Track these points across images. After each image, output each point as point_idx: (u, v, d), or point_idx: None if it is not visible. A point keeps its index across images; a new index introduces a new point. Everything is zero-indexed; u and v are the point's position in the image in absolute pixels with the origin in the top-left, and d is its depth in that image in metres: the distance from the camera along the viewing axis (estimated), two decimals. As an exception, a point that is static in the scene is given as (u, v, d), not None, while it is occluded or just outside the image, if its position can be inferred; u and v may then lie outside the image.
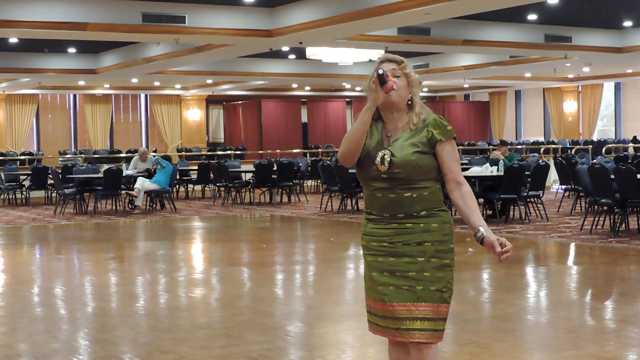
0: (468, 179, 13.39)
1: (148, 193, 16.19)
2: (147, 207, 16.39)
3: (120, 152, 27.78)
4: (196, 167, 19.72)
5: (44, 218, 15.32)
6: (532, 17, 16.94)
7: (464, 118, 33.63)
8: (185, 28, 14.82)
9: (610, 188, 10.90)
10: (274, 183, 17.33)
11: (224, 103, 33.21)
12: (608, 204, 11.03)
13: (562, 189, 16.55)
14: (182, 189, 20.41)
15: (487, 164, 13.36)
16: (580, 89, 31.12)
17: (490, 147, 25.88)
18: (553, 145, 25.09)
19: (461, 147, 27.69)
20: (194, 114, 32.22)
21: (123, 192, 16.08)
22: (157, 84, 28.03)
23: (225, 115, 33.39)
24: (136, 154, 17.69)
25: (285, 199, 18.19)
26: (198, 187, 20.44)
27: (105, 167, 17.19)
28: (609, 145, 24.31)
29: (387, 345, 3.55)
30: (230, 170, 17.66)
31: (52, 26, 14.07)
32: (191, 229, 13.60)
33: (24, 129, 29.13)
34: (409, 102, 3.40)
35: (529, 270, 8.80)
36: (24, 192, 18.89)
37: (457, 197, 3.36)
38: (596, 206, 11.52)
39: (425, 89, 32.31)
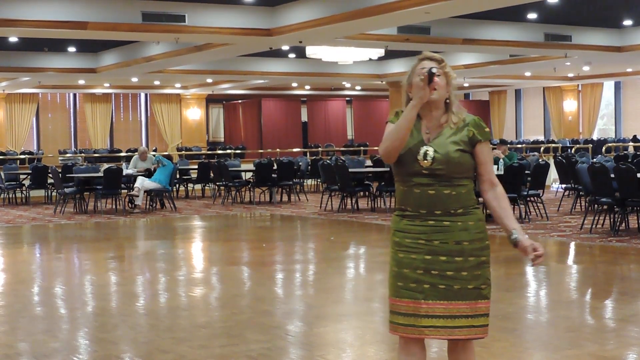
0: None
1: (148, 192, 16.19)
2: (147, 206, 16.39)
3: (120, 151, 27.79)
4: (196, 166, 19.72)
5: (44, 217, 15.32)
6: (532, 16, 16.93)
7: None
8: (185, 27, 14.82)
9: (610, 187, 10.90)
10: (274, 182, 17.33)
11: (224, 102, 33.21)
12: (608, 203, 11.03)
13: (562, 188, 16.55)
14: (182, 188, 20.41)
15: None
16: (580, 88, 31.12)
17: (491, 146, 25.85)
18: (553, 144, 25.09)
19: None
20: (194, 113, 32.22)
21: (123, 191, 16.08)
22: (157, 83, 28.03)
23: (225, 115, 33.40)
24: (136, 153, 17.68)
25: (285, 198, 18.19)
26: (198, 186, 20.44)
27: (105, 166, 17.19)
28: (609, 144, 24.31)
29: (399, 342, 3.48)
30: (230, 169, 17.66)
31: (52, 25, 14.07)
32: (191, 228, 13.60)
33: (24, 128, 29.14)
34: (447, 101, 3.44)
35: (529, 270, 8.80)
36: (24, 192, 18.89)
37: (491, 198, 3.43)
38: (596, 205, 11.52)
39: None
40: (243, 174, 18.86)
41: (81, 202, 16.25)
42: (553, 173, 18.25)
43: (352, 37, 16.40)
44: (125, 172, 16.30)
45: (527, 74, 26.84)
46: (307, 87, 31.05)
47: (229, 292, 7.77)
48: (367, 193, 15.92)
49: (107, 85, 27.94)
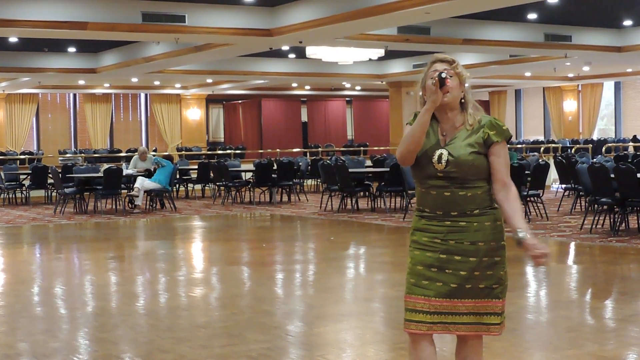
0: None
1: (148, 192, 16.19)
2: (147, 207, 16.39)
3: (120, 151, 27.78)
4: (196, 167, 19.72)
5: (44, 217, 15.32)
6: (532, 16, 16.94)
7: None
8: (185, 27, 14.82)
9: (610, 187, 10.90)
10: (274, 182, 17.33)
11: (224, 102, 33.21)
12: (608, 203, 11.03)
13: (562, 188, 16.55)
14: (182, 188, 20.41)
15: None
16: (580, 88, 31.13)
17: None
18: (553, 145, 25.08)
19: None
20: (194, 113, 32.22)
21: (123, 192, 16.08)
22: (157, 83, 28.03)
23: (225, 115, 33.40)
24: (136, 154, 17.68)
25: (285, 198, 18.19)
26: (198, 187, 20.43)
27: (105, 166, 17.19)
28: (609, 145, 24.32)
29: (409, 339, 3.53)
30: (230, 169, 17.66)
31: (52, 25, 14.07)
32: (191, 228, 13.60)
33: (24, 128, 29.14)
34: (462, 101, 3.46)
35: (529, 270, 8.79)
36: (24, 192, 18.89)
37: (502, 198, 3.42)
38: (596, 205, 11.52)
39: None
40: (243, 174, 18.86)
41: (81, 202, 16.24)
42: (553, 173, 18.25)
43: (352, 37, 16.40)
44: (125, 172, 16.30)
45: (527, 74, 26.84)
46: (307, 87, 31.05)
47: (229, 292, 7.77)
48: (367, 193, 15.92)
49: (107, 85, 27.94)
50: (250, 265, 9.65)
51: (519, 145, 28.03)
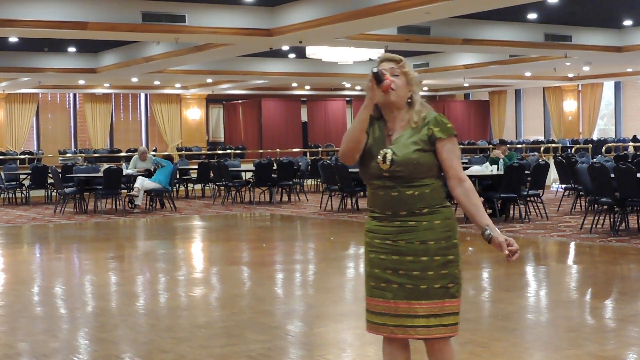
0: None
1: (148, 192, 16.19)
2: (147, 207, 16.39)
3: (120, 151, 27.79)
4: (196, 166, 19.73)
5: (44, 217, 15.32)
6: (532, 16, 16.94)
7: (464, 117, 33.64)
8: (185, 27, 14.82)
9: (610, 187, 10.90)
10: (274, 182, 17.33)
11: (224, 102, 33.21)
12: (608, 203, 11.03)
13: (562, 188, 16.56)
14: (182, 188, 20.41)
15: (487, 163, 13.36)
16: (580, 88, 31.12)
17: (490, 146, 25.89)
18: (553, 145, 25.09)
19: (461, 146, 27.70)
20: (194, 113, 32.22)
21: (123, 192, 16.09)
22: (157, 83, 28.03)
23: (225, 115, 33.39)
24: (136, 153, 17.69)
25: (285, 198, 18.19)
26: (198, 187, 20.44)
27: (105, 166, 17.19)
28: (609, 144, 24.31)
29: (382, 343, 3.54)
30: (230, 169, 17.66)
31: (52, 25, 14.07)
32: (191, 228, 13.60)
33: (24, 128, 29.14)
34: (409, 101, 3.42)
35: (529, 269, 8.80)
36: (24, 192, 18.89)
37: (460, 194, 3.37)
38: (596, 205, 11.52)
39: (426, 88, 32.31)
40: (243, 174, 18.86)
41: (81, 202, 16.25)
42: (553, 173, 18.25)
43: (352, 37, 16.41)
44: (125, 172, 16.30)
45: (527, 74, 26.84)
46: (307, 87, 31.05)
47: (229, 292, 7.77)
48: (367, 193, 15.90)
49: (107, 85, 27.94)
50: (250, 265, 9.65)
51: (519, 145, 28.04)
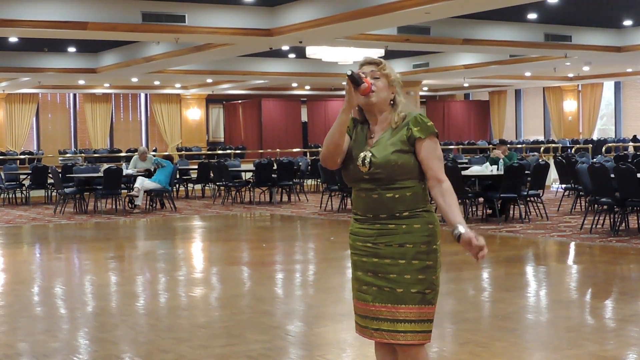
0: (468, 178, 13.40)
1: (148, 192, 16.19)
2: (147, 207, 16.39)
3: (120, 151, 27.78)
4: (196, 167, 19.73)
5: (44, 217, 15.32)
6: (532, 16, 16.94)
7: (463, 117, 33.65)
8: (185, 27, 14.82)
9: (610, 187, 10.90)
10: (274, 182, 17.33)
11: (224, 102, 33.21)
12: (608, 203, 11.03)
13: (562, 188, 16.55)
14: (182, 188, 20.41)
15: (487, 163, 13.36)
16: (580, 88, 31.13)
17: (490, 146, 25.88)
18: (553, 145, 25.10)
19: (461, 146, 27.72)
20: (194, 113, 32.23)
21: (123, 192, 16.09)
22: (157, 83, 28.04)
23: (225, 115, 33.40)
24: (136, 154, 17.69)
25: (285, 198, 18.19)
26: (198, 187, 20.44)
27: (105, 166, 17.20)
28: (609, 144, 24.32)
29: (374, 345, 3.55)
30: (230, 169, 17.66)
31: (52, 25, 14.07)
32: (191, 228, 13.60)
33: (24, 128, 29.14)
34: (392, 103, 3.40)
35: (529, 270, 8.80)
36: (24, 192, 18.89)
37: (437, 194, 3.33)
38: (596, 205, 11.52)
39: (425, 88, 32.31)
40: (243, 174, 18.86)
41: (81, 202, 16.25)
42: (553, 173, 18.26)
43: (352, 37, 16.41)
44: (125, 172, 16.31)
45: (527, 74, 26.85)
46: (307, 87, 31.06)
47: (229, 292, 7.77)
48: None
49: (107, 85, 27.95)
50: (250, 265, 9.65)
51: (519, 145, 28.04)
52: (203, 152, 28.43)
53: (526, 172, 13.11)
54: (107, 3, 14.36)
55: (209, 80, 27.23)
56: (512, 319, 6.25)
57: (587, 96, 30.77)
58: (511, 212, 13.51)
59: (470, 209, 13.38)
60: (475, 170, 13.50)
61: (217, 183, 18.19)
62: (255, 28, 15.42)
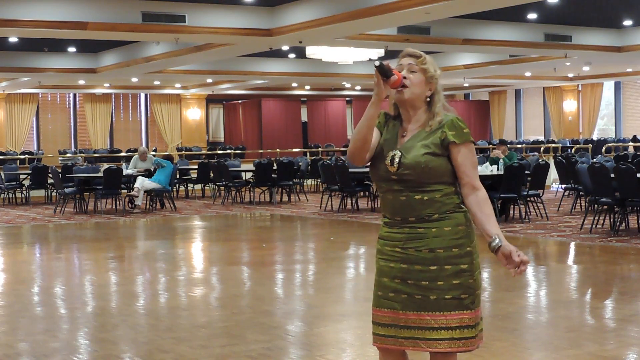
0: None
1: (148, 192, 16.19)
2: (147, 207, 16.39)
3: (120, 151, 27.79)
4: (196, 167, 19.72)
5: (44, 217, 15.32)
6: (532, 16, 16.94)
7: (463, 117, 32.37)
8: (185, 27, 14.82)
9: (610, 187, 10.90)
10: (274, 182, 17.33)
11: (224, 102, 33.22)
12: (608, 203, 11.03)
13: (562, 188, 16.55)
14: (182, 188, 20.41)
15: (487, 163, 13.36)
16: (580, 88, 31.12)
17: (490, 146, 25.88)
18: (553, 145, 25.09)
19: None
20: (194, 113, 32.22)
21: (123, 192, 16.09)
22: (157, 83, 28.04)
23: (225, 115, 33.40)
24: (136, 154, 17.69)
25: (285, 198, 18.19)
26: (198, 187, 20.44)
27: (105, 166, 17.19)
28: (609, 144, 24.32)
29: (378, 354, 3.39)
30: (230, 169, 17.66)
31: (52, 25, 14.07)
32: (191, 228, 13.60)
33: (23, 128, 29.14)
34: (428, 100, 3.22)
35: (529, 270, 8.79)
36: (24, 192, 18.89)
37: (472, 203, 3.16)
38: (596, 205, 11.52)
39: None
40: (243, 174, 18.86)
41: (81, 202, 16.25)
42: (553, 173, 18.25)
43: (352, 37, 16.41)
44: (125, 172, 16.31)
45: (527, 74, 26.85)
46: (307, 87, 31.05)
47: (229, 292, 7.77)
48: (367, 193, 15.93)
49: (107, 85, 27.95)
50: (250, 265, 9.65)
51: (519, 145, 28.04)
52: (203, 152, 28.43)
53: (526, 172, 13.12)
54: (107, 3, 14.36)
55: (209, 80, 27.22)
56: (512, 319, 6.25)
57: (587, 96, 30.77)
58: (511, 212, 13.52)
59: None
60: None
61: (217, 183, 18.20)
62: (255, 28, 15.42)
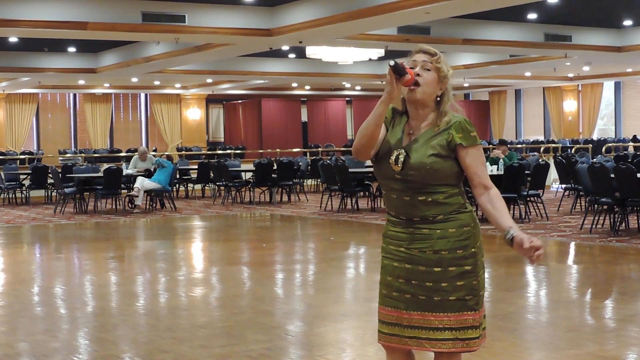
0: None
1: (148, 192, 16.19)
2: (147, 207, 16.39)
3: (120, 151, 27.79)
4: (196, 167, 19.72)
5: (44, 217, 15.32)
6: (532, 16, 16.94)
7: None
8: (185, 27, 14.82)
9: (610, 187, 10.90)
10: (274, 182, 17.33)
11: (224, 102, 33.22)
12: (608, 203, 11.03)
13: (562, 188, 16.55)
14: (182, 188, 20.41)
15: (487, 163, 13.37)
16: (580, 88, 31.13)
17: (490, 146, 25.88)
18: (553, 145, 25.09)
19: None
20: (194, 113, 32.23)
21: (123, 192, 16.09)
22: (157, 83, 28.04)
23: (225, 115, 33.41)
24: (136, 154, 17.69)
25: (285, 198, 18.19)
26: (198, 187, 20.44)
27: (105, 166, 17.19)
28: (609, 144, 24.32)
29: (386, 354, 3.36)
30: (230, 169, 17.66)
31: (52, 25, 14.08)
32: (191, 228, 13.60)
33: (24, 128, 29.14)
34: (438, 100, 3.18)
35: (529, 270, 8.79)
36: (24, 192, 18.89)
37: (485, 201, 3.16)
38: (596, 205, 11.52)
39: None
40: (243, 174, 18.86)
41: (81, 202, 16.25)
42: (553, 173, 18.26)
43: (352, 37, 16.41)
44: (125, 172, 16.31)
45: (527, 74, 26.85)
46: (307, 87, 31.05)
47: (229, 292, 7.77)
48: (367, 193, 15.93)
49: (107, 85, 27.95)
50: (250, 265, 9.65)
51: (519, 145, 28.04)
52: (203, 152, 28.44)
53: (526, 172, 13.12)
54: (107, 3, 14.36)
55: (209, 80, 27.23)
56: (512, 319, 6.25)
57: (587, 96, 30.77)
58: (511, 212, 13.52)
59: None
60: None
61: (217, 183, 18.19)
62: (255, 28, 15.42)
